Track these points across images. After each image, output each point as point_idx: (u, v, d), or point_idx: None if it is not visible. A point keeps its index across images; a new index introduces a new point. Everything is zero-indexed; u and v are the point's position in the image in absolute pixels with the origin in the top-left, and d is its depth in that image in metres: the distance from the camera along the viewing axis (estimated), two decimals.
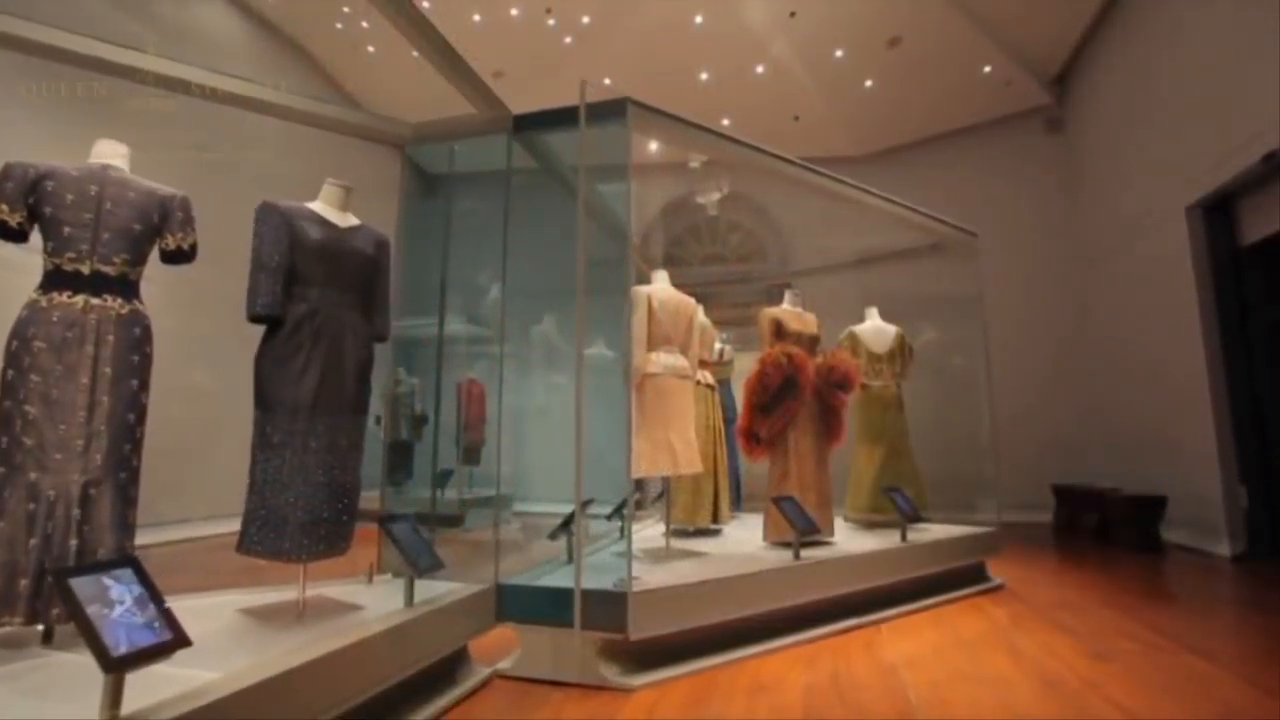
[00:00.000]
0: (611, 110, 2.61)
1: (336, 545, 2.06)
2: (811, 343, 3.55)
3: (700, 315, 4.20)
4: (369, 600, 2.20)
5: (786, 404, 3.28)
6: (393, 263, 2.64)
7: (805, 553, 2.95)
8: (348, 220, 2.23)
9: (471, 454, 7.27)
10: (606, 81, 7.52)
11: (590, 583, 2.35)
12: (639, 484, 5.85)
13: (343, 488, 2.07)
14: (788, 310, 3.61)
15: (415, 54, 2.64)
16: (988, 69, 6.95)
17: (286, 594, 2.18)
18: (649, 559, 2.98)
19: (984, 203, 6.99)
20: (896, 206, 3.74)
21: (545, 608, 2.36)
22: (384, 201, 2.92)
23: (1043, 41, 6.75)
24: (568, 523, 2.98)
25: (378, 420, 7.84)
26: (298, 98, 2.69)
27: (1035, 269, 7.35)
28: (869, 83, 7.16)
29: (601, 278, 3.50)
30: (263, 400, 2.00)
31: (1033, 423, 6.80)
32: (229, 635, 1.79)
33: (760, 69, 7.00)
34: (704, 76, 7.26)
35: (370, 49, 6.84)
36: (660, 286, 3.20)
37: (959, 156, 7.86)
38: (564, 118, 2.64)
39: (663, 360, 3.04)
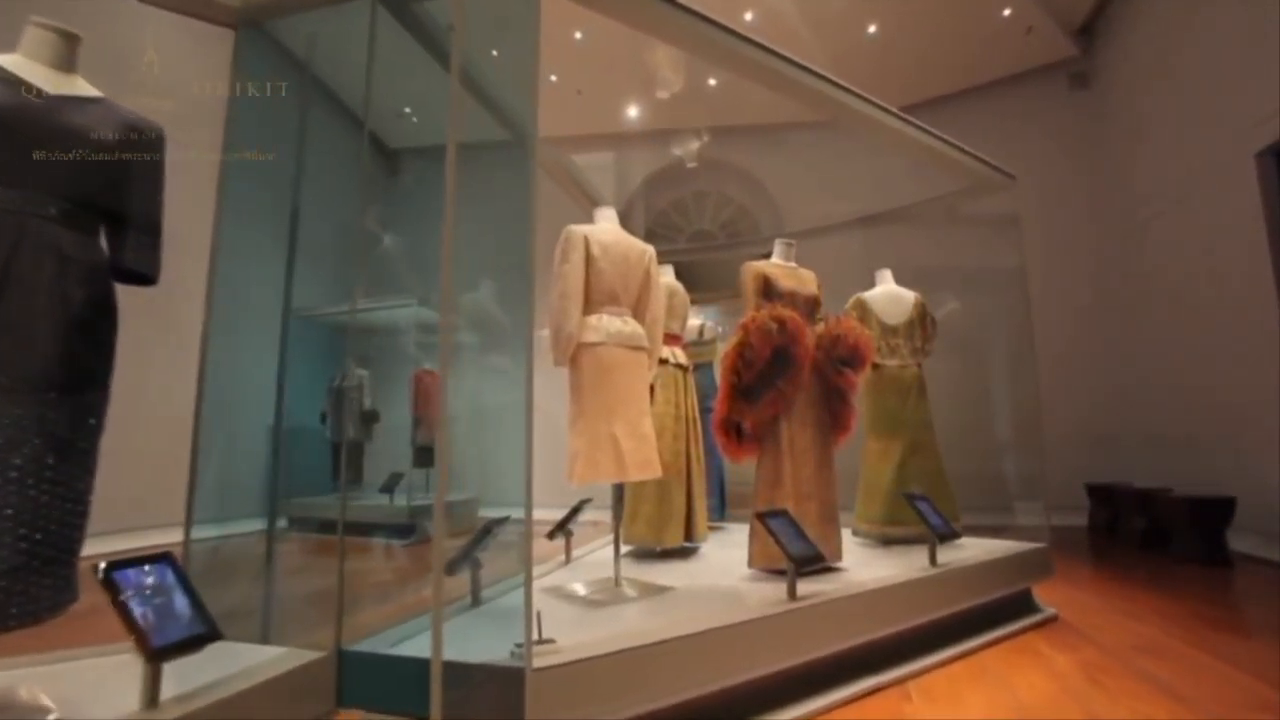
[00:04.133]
0: None
1: (22, 610, 1.24)
2: (810, 305, 2.72)
3: (670, 277, 3.41)
4: (114, 689, 1.39)
5: (777, 385, 2.46)
6: (218, 189, 1.85)
7: (805, 586, 2.13)
8: (67, 86, 1.41)
9: (427, 456, 6.44)
10: (577, 35, 6.71)
11: (478, 648, 1.55)
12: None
13: (36, 514, 1.26)
14: (778, 264, 2.79)
15: None
16: (1007, 12, 6.14)
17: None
18: (584, 602, 2.17)
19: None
20: (910, 127, 2.91)
21: (402, 688, 1.55)
22: None
23: None
24: (474, 545, 2.17)
25: (323, 418, 6.99)
26: None
27: (1059, 237, 6.54)
28: (872, 28, 6.32)
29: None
30: None
31: (1059, 412, 5.98)
32: None
33: (749, 16, 6.17)
34: None
35: None
36: (604, 227, 2.37)
37: (973, 117, 7.03)
38: None
39: (606, 325, 2.22)
